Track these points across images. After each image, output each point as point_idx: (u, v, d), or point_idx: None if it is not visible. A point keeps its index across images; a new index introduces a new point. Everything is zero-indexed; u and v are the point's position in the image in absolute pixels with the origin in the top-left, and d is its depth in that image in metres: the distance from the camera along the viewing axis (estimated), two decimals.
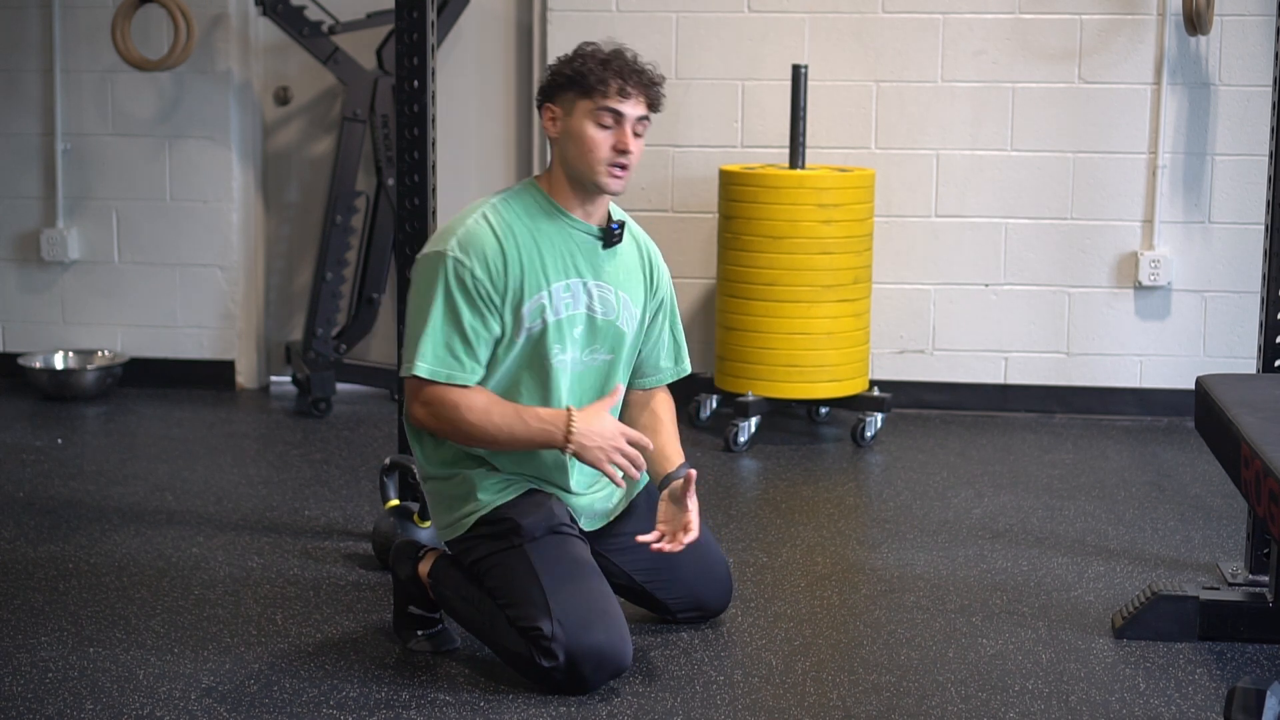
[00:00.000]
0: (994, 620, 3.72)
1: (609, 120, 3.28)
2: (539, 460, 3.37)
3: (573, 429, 3.23)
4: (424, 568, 3.44)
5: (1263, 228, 3.96)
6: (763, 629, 3.65)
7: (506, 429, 3.24)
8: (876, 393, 5.42)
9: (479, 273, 3.25)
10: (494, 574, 3.30)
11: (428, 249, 3.33)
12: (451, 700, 3.23)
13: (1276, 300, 3.87)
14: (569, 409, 3.27)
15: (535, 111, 5.80)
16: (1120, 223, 5.68)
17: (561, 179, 3.35)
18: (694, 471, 3.41)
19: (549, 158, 3.44)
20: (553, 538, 3.31)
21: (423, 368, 3.25)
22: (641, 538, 3.38)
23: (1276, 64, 3.95)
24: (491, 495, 3.34)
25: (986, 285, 5.75)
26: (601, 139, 3.28)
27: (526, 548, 3.27)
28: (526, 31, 5.93)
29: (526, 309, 3.28)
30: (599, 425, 3.25)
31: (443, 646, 3.45)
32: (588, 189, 3.33)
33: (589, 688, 3.21)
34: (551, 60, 3.38)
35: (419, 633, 3.46)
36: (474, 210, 3.33)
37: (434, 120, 4.03)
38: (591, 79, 3.26)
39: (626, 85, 3.27)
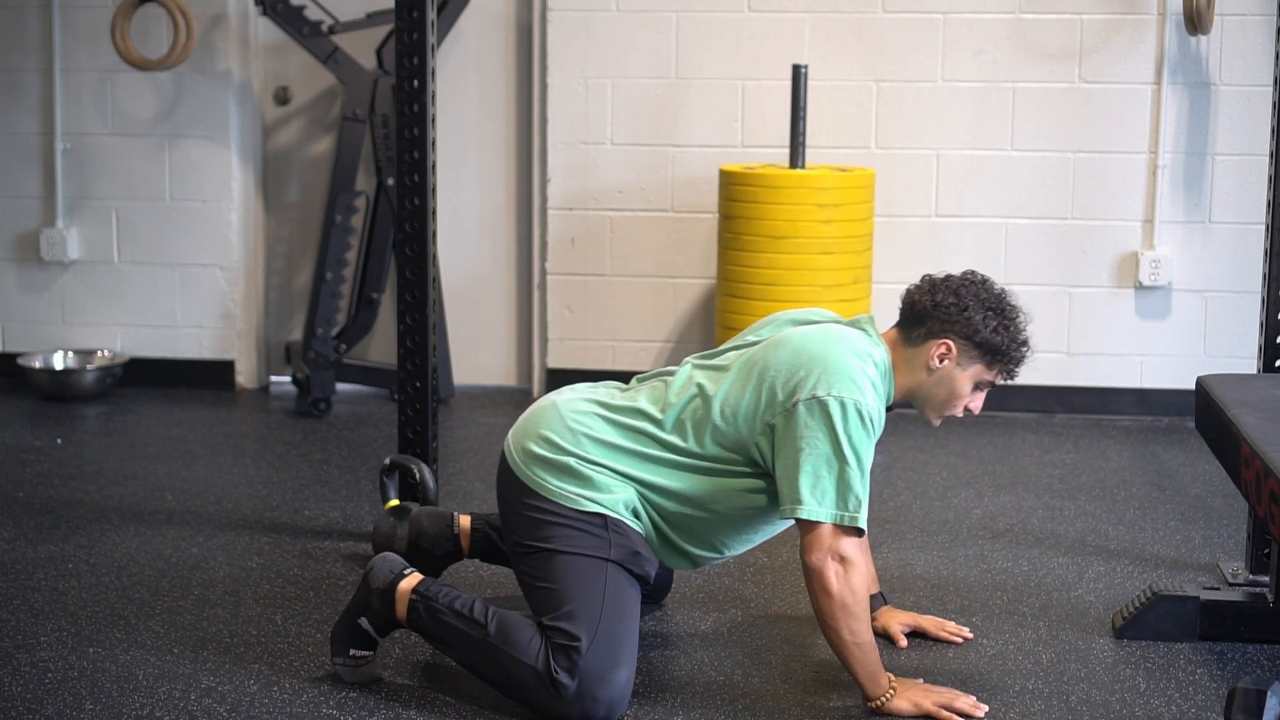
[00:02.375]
0: (994, 620, 3.72)
1: (984, 388, 3.33)
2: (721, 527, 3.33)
3: (894, 689, 3.19)
4: (405, 585, 3.28)
5: (1263, 227, 3.97)
6: (763, 629, 3.65)
7: (866, 623, 3.16)
8: None
9: (875, 429, 3.20)
10: (566, 564, 3.20)
11: (835, 393, 3.13)
12: (452, 700, 3.23)
13: (1277, 300, 3.87)
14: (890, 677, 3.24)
15: (531, 130, 5.81)
16: (1120, 223, 5.68)
17: (901, 380, 3.30)
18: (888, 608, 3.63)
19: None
20: (637, 580, 3.27)
21: (862, 519, 3.14)
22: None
23: (1276, 64, 3.95)
24: (625, 515, 3.26)
25: None
26: (968, 399, 3.32)
27: (611, 569, 3.21)
28: (526, 31, 5.93)
29: None
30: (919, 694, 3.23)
31: (368, 676, 3.31)
32: (909, 404, 3.36)
33: (587, 713, 3.13)
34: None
35: (352, 651, 3.30)
36: (862, 357, 3.21)
37: (434, 120, 4.03)
38: (1008, 363, 3.29)
39: (1016, 374, 3.33)
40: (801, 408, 3.14)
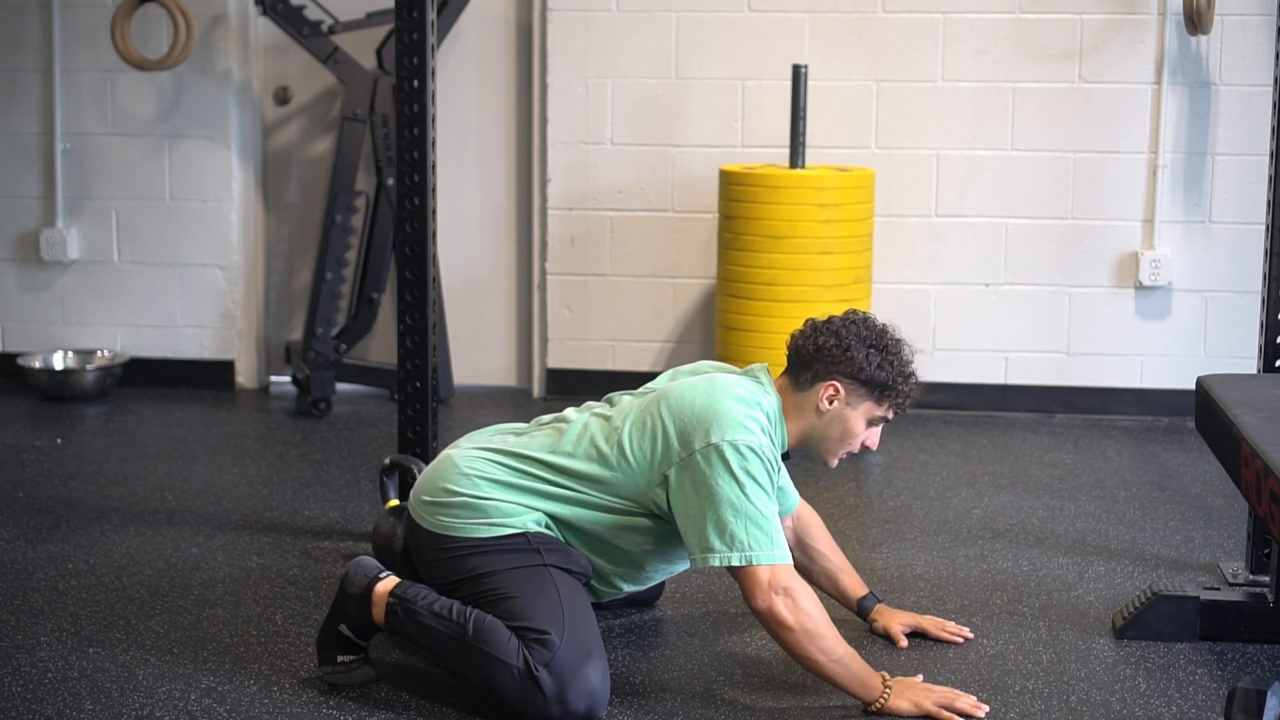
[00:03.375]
0: (994, 620, 3.72)
1: (877, 423, 3.36)
2: (617, 555, 3.35)
3: (890, 688, 3.19)
4: (382, 588, 3.28)
5: (1263, 227, 3.97)
6: (762, 629, 3.64)
7: (834, 637, 3.15)
8: None
9: (773, 467, 3.23)
10: (505, 577, 3.22)
11: (728, 438, 3.16)
12: (454, 699, 3.22)
13: (1277, 300, 3.87)
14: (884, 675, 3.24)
15: (531, 130, 5.82)
16: (1120, 222, 5.68)
17: (794, 426, 3.34)
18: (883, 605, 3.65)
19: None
20: (578, 579, 3.30)
21: (778, 555, 3.15)
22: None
23: (1276, 64, 3.95)
24: (543, 529, 3.30)
25: (986, 285, 5.75)
26: (863, 436, 3.35)
27: (554, 571, 3.24)
28: (526, 31, 5.93)
29: None
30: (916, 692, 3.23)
31: (361, 679, 3.31)
32: (806, 450, 3.39)
33: (569, 709, 3.12)
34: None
35: (340, 658, 3.31)
36: (747, 403, 3.24)
37: (434, 120, 4.03)
38: (896, 397, 3.32)
39: (909, 405, 3.35)
40: (699, 457, 3.17)
